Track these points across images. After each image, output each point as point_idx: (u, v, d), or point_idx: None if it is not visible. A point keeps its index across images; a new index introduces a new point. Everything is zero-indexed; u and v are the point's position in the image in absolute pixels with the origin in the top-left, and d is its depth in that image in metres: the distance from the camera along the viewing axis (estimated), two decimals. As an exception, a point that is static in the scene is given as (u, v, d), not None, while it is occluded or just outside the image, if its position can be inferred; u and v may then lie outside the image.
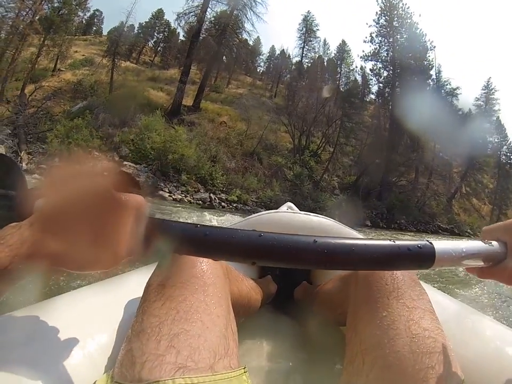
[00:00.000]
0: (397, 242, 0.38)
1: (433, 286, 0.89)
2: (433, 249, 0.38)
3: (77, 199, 0.34)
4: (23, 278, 0.34)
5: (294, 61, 31.63)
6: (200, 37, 24.10)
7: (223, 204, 15.55)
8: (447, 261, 0.39)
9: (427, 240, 0.39)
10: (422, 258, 0.38)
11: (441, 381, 0.43)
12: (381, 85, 26.90)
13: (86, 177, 0.35)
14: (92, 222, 0.34)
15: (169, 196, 14.40)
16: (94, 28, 34.98)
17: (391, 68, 26.08)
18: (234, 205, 15.70)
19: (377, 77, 26.95)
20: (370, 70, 27.24)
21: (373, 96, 28.73)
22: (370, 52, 26.53)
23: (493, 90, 32.74)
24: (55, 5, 23.35)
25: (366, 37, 26.52)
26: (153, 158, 15.57)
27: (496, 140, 38.10)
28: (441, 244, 0.39)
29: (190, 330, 0.47)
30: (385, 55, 26.41)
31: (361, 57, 27.36)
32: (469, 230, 27.19)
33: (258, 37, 34.04)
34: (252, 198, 17.07)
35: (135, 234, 0.35)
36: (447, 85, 30.58)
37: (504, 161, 38.18)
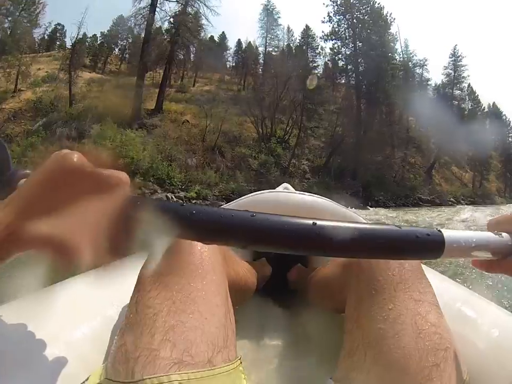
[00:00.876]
0: (404, 228, 0.34)
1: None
2: (442, 237, 0.34)
3: (51, 177, 0.29)
4: (2, 260, 0.29)
5: (260, 50, 30.03)
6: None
7: (181, 202, 14.53)
8: (456, 251, 0.34)
9: (436, 228, 0.35)
10: (430, 247, 0.34)
11: (445, 380, 0.40)
12: (342, 62, 25.37)
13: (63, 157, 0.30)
14: (71, 204, 0.29)
15: (121, 202, 13.81)
16: (58, 43, 33.22)
17: (352, 45, 24.59)
18: (193, 202, 14.92)
19: (338, 56, 25.41)
20: (330, 49, 25.76)
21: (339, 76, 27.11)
22: (329, 32, 25.06)
23: (460, 57, 31.22)
24: (6, 25, 21.84)
25: (324, 17, 25.05)
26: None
27: (469, 107, 37.00)
28: (451, 232, 0.35)
29: (187, 322, 0.43)
30: (344, 32, 24.91)
31: (320, 37, 25.88)
32: (451, 199, 25.95)
33: (223, 32, 32.73)
34: (215, 192, 16.12)
35: (116, 217, 0.29)
36: (413, 56, 29.30)
37: (479, 126, 37.06)
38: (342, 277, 0.62)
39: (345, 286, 0.57)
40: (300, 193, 0.91)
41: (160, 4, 22.51)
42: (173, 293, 0.45)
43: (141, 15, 22.46)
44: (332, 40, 25.16)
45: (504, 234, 0.37)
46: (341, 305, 0.58)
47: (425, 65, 29.60)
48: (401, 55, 28.33)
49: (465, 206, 22.72)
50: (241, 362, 0.47)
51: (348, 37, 24.85)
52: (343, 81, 26.88)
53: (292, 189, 1.18)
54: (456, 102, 31.49)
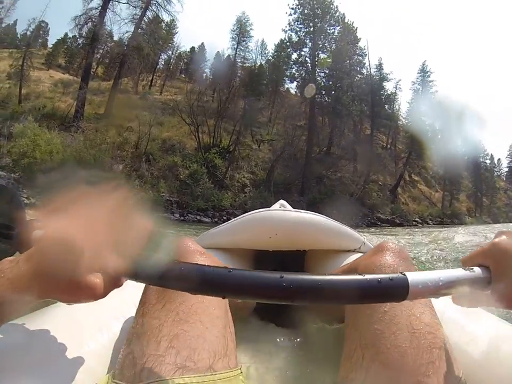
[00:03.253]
0: (366, 276, 0.32)
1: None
2: (406, 281, 0.32)
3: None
4: (21, 310, 0.33)
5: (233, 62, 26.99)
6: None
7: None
8: (423, 292, 0.33)
9: (401, 272, 0.33)
10: (394, 292, 0.33)
11: (441, 376, 0.39)
12: (295, 69, 22.14)
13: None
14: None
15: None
16: (40, 40, 30.64)
17: (310, 54, 21.52)
18: None
19: (292, 65, 22.19)
20: (286, 57, 22.44)
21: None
22: (285, 40, 21.80)
23: (428, 73, 28.27)
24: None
25: (286, 26, 22.08)
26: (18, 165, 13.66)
27: (437, 127, 34.14)
28: (416, 275, 0.33)
29: (190, 331, 0.44)
30: (303, 41, 21.85)
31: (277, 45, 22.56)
32: (417, 219, 22.54)
33: (202, 43, 29.96)
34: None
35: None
36: (380, 70, 26.38)
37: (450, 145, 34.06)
38: None
39: None
40: (296, 211, 0.87)
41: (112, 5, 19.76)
42: (177, 304, 0.45)
43: (86, 16, 19.68)
44: (288, 49, 22.02)
45: (475, 268, 0.35)
46: (340, 314, 0.57)
47: (393, 79, 26.61)
48: (368, 69, 25.41)
49: (431, 226, 19.70)
50: (241, 372, 0.46)
51: (305, 46, 21.76)
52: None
53: (288, 206, 1.12)
54: (424, 118, 28.32)
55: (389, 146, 28.10)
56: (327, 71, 21.35)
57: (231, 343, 0.48)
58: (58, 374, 0.42)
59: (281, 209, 0.90)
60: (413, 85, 28.91)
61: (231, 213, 13.86)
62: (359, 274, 0.33)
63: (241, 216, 0.90)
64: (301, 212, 0.87)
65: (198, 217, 13.14)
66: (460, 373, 0.41)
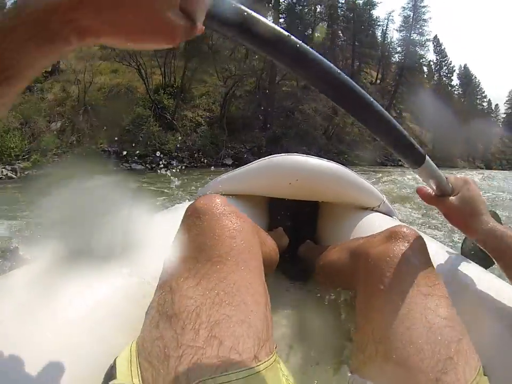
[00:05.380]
0: (402, 131, 0.38)
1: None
2: (424, 156, 0.42)
3: None
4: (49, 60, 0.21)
5: None
6: None
7: (10, 174, 10.89)
8: (428, 171, 0.43)
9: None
10: (415, 156, 0.41)
11: (460, 371, 0.37)
12: None
13: None
14: None
15: None
16: None
17: None
18: (26, 173, 11.17)
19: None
20: None
21: None
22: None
23: (421, -3, 23.80)
24: None
25: None
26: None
27: (434, 60, 30.05)
28: (429, 160, 0.43)
29: (233, 315, 0.36)
30: None
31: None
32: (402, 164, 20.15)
33: None
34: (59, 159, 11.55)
35: None
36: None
37: (445, 82, 30.33)
38: (350, 265, 0.58)
39: (353, 274, 0.53)
40: (319, 159, 0.86)
41: None
42: (216, 282, 0.38)
43: None
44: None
45: (450, 182, 0.49)
46: (347, 287, 0.60)
47: (380, 2, 22.45)
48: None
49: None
50: (276, 353, 0.40)
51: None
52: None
53: None
54: (416, 48, 24.48)
55: (378, 81, 24.82)
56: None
57: (271, 324, 0.40)
58: (70, 345, 0.36)
59: (304, 155, 0.87)
60: (403, 10, 24.98)
61: (174, 156, 12.05)
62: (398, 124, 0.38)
63: (258, 160, 0.86)
64: (323, 159, 0.86)
65: (133, 166, 11.25)
66: (478, 366, 0.38)
